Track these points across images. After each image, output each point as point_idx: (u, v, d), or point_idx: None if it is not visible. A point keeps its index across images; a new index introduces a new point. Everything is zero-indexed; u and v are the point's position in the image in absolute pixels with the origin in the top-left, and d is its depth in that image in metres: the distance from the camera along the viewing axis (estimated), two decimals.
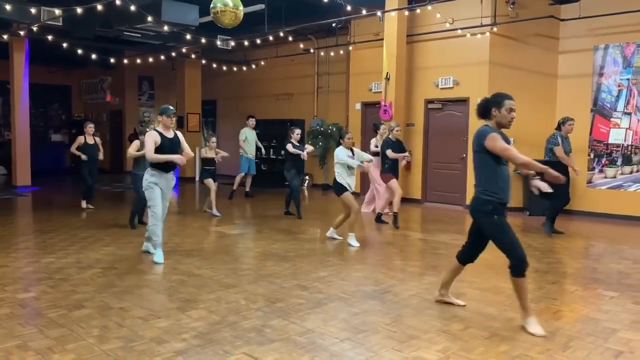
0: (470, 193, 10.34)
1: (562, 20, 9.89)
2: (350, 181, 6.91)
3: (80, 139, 9.59)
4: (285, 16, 10.52)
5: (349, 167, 6.88)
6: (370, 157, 7.55)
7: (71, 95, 19.54)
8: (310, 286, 4.99)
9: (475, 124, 11.60)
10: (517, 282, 3.85)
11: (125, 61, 14.68)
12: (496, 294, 4.81)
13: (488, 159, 3.87)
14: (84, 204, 9.68)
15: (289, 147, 8.93)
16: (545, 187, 4.06)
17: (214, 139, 9.44)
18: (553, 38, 10.06)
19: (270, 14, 10.21)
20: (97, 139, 9.80)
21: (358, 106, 12.23)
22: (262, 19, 10.25)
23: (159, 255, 5.85)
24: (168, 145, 5.86)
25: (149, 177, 5.89)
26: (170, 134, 5.96)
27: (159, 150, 5.79)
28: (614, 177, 9.50)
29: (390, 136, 8.52)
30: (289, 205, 9.36)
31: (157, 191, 5.86)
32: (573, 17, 9.51)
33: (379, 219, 8.69)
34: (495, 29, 9.80)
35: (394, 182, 8.35)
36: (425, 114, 11.10)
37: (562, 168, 7.71)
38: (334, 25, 11.31)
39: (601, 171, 9.63)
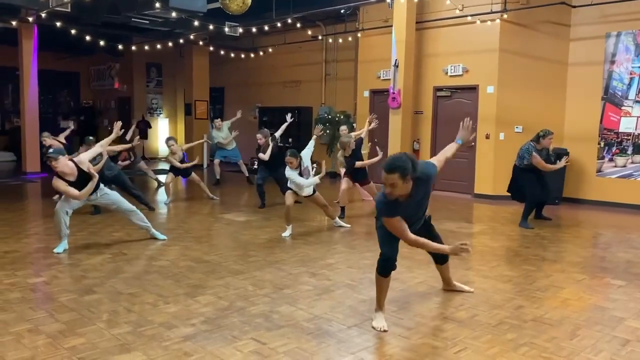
0: (478, 181, 10.46)
1: (574, 6, 9.75)
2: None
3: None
4: (293, 2, 10.44)
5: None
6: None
7: (79, 81, 19.56)
8: (318, 273, 5.01)
9: (484, 111, 11.45)
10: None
11: (133, 48, 14.68)
12: (503, 282, 4.81)
13: None
14: None
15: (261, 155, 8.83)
16: None
17: (172, 142, 9.27)
18: (564, 25, 9.93)
19: (278, 0, 10.15)
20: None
21: (366, 94, 12.17)
22: (270, 6, 10.18)
23: (60, 246, 5.62)
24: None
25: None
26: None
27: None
28: (624, 166, 9.42)
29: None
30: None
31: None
32: (585, 4, 9.37)
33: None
34: (505, 16, 9.69)
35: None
36: (434, 101, 11.03)
37: (535, 172, 7.57)
38: (342, 11, 11.22)
39: (611, 160, 9.55)
